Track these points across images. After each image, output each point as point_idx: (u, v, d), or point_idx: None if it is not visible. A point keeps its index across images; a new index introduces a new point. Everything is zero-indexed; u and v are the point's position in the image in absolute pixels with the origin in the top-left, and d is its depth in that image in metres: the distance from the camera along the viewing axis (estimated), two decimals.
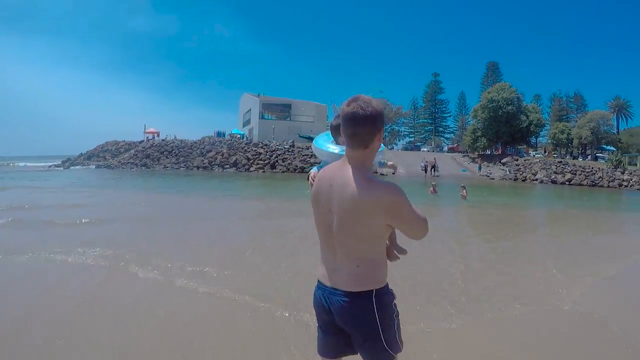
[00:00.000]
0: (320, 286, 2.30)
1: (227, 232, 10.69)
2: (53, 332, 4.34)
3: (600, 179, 38.69)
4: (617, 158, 42.37)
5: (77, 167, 47.43)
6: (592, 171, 40.66)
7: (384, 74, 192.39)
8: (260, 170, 41.89)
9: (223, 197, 19.95)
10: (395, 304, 2.25)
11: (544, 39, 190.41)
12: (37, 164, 52.86)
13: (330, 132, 2.89)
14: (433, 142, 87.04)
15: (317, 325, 2.42)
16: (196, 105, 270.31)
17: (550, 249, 9.66)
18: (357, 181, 2.04)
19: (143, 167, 44.76)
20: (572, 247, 9.99)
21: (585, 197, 27.21)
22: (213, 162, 43.96)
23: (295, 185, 26.90)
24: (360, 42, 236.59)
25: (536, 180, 41.08)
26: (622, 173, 39.45)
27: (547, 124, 71.67)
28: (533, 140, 67.01)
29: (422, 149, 71.27)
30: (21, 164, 55.55)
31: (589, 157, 54.20)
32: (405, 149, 73.29)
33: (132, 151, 49.57)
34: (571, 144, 58.40)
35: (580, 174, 40.25)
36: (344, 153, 2.21)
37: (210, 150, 46.47)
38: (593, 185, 37.89)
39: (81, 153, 54.79)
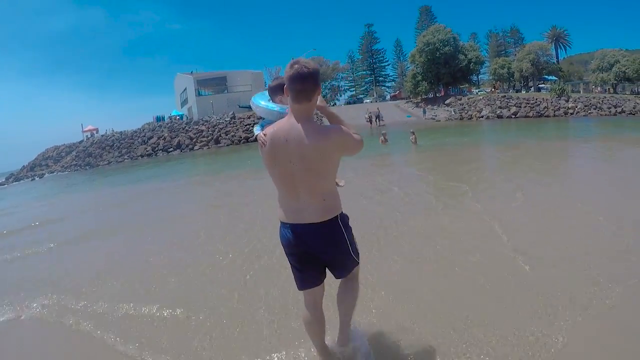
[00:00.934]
0: (288, 226, 2.73)
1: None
2: None
3: (546, 109, 38.21)
4: (560, 87, 41.97)
5: (22, 181, 42.88)
6: (536, 102, 40.20)
7: (316, 32, 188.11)
8: (205, 147, 40.50)
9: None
10: (349, 221, 2.83)
11: None
12: None
13: (267, 92, 3.09)
14: (375, 93, 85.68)
15: (290, 265, 2.92)
16: (132, 95, 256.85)
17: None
18: (311, 132, 2.54)
19: (87, 167, 42.01)
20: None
21: (534, 128, 26.82)
22: (156, 148, 42.07)
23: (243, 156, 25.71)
24: (288, 2, 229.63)
25: (482, 117, 40.51)
26: (567, 101, 39.10)
27: (486, 60, 71.08)
28: (475, 78, 66.64)
29: (364, 101, 69.94)
30: None
31: (532, 89, 53.88)
32: (348, 103, 71.62)
33: (74, 153, 46.93)
34: (512, 77, 57.94)
35: (525, 107, 39.75)
36: (283, 111, 2.82)
37: (152, 137, 44.42)
38: (539, 116, 37.44)
39: (23, 166, 51.08)
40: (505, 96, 44.41)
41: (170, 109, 72.27)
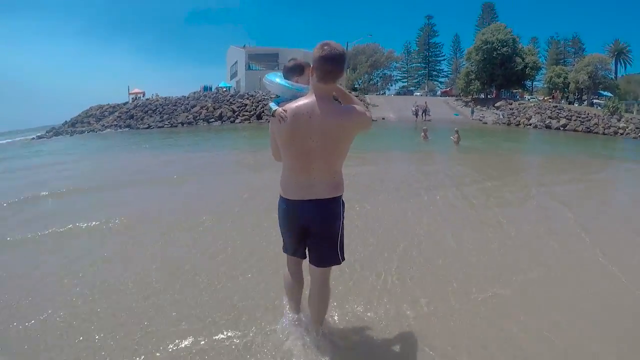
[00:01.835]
0: (291, 202, 2.87)
1: None
2: None
3: (596, 125, 37.38)
4: (614, 104, 40.91)
5: (60, 136, 44.87)
6: (587, 117, 39.28)
7: (374, 18, 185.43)
8: (246, 122, 41.07)
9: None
10: None
11: None
12: (23, 138, 50.18)
13: (283, 72, 3.09)
14: (426, 87, 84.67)
15: (281, 232, 3.10)
16: (184, 63, 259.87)
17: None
18: (335, 110, 2.70)
19: (127, 128, 43.48)
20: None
21: (587, 144, 26.10)
22: (198, 117, 42.76)
23: None
24: None
25: (530, 125, 39.98)
26: (619, 120, 38.11)
27: (543, 67, 69.20)
28: (529, 84, 65.24)
29: (415, 94, 69.39)
30: (3, 142, 53.20)
31: (585, 102, 52.61)
32: (398, 93, 70.98)
33: (116, 113, 48.02)
34: (567, 88, 56.48)
35: (575, 120, 38.99)
36: (300, 90, 2.86)
37: (195, 105, 45.15)
38: (588, 132, 36.62)
39: (65, 121, 52.45)
40: (556, 106, 43.50)
41: (219, 81, 72.44)
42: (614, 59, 73.88)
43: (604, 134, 35.99)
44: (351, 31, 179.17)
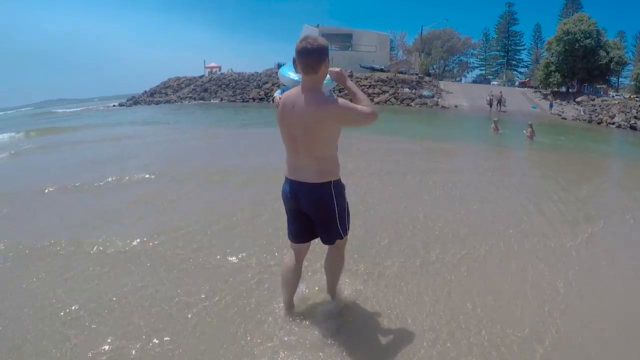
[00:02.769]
0: (288, 181, 3.13)
1: None
2: None
3: None
4: None
5: (139, 105, 48.74)
6: None
7: (452, 2, 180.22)
8: None
9: None
10: (345, 193, 3.16)
11: None
12: (106, 104, 56.25)
13: (292, 63, 3.28)
14: (505, 76, 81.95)
15: (286, 217, 3.31)
16: (260, 39, 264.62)
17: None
18: (313, 102, 2.84)
19: (200, 101, 45.85)
20: None
21: None
22: (269, 93, 43.44)
23: None
24: None
25: (613, 124, 37.61)
26: None
27: (630, 63, 64.77)
28: (614, 80, 61.36)
29: (492, 83, 67.08)
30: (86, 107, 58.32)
31: None
32: (475, 81, 68.77)
33: (192, 86, 50.69)
34: None
35: None
36: (300, 80, 2.97)
37: (267, 82, 46.16)
38: None
39: (145, 91, 56.35)
40: None
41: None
42: None
43: None
44: (427, 14, 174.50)
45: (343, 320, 3.41)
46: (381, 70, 52.65)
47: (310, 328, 3.25)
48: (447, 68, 77.30)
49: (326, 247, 3.35)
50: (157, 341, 3.13)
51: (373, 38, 61.58)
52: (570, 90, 51.28)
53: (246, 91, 45.37)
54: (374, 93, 43.45)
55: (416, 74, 51.20)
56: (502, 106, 40.32)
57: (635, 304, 4.01)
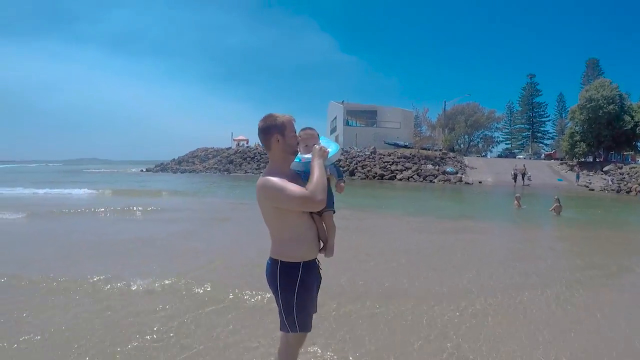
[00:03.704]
0: None
1: None
2: None
3: None
4: None
5: (165, 172, 52.69)
6: None
7: (474, 77, 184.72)
8: None
9: None
10: (299, 283, 2.80)
11: None
12: (136, 169, 62.10)
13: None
14: (530, 149, 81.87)
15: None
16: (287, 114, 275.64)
17: None
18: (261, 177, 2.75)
19: (225, 172, 48.23)
20: None
21: None
22: None
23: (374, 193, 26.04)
24: (444, 44, 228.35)
25: None
26: None
27: None
28: None
29: (518, 156, 66.85)
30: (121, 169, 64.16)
31: None
32: (500, 155, 68.73)
33: (218, 157, 53.11)
34: None
35: None
36: (298, 160, 2.98)
37: None
38: None
39: (173, 159, 59.45)
40: None
41: (320, 134, 74.85)
42: None
43: None
44: (450, 90, 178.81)
45: None
46: (405, 146, 53.81)
47: None
48: (472, 143, 77.73)
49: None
50: None
51: (397, 114, 63.38)
52: (597, 160, 50.73)
53: None
54: (397, 170, 44.04)
55: (440, 150, 51.79)
56: (525, 180, 40.16)
57: None
